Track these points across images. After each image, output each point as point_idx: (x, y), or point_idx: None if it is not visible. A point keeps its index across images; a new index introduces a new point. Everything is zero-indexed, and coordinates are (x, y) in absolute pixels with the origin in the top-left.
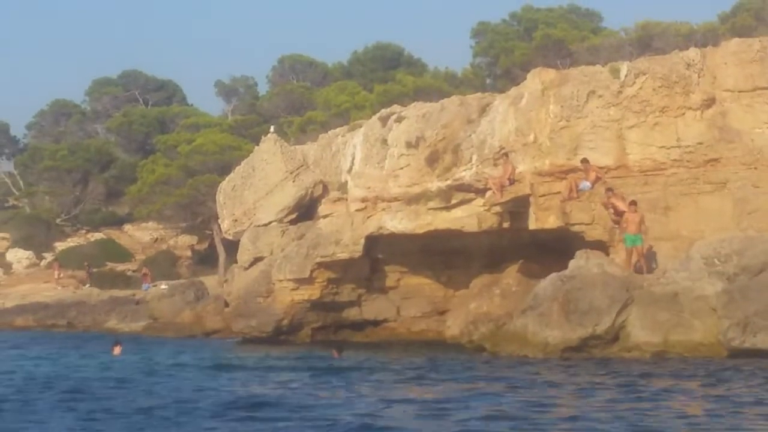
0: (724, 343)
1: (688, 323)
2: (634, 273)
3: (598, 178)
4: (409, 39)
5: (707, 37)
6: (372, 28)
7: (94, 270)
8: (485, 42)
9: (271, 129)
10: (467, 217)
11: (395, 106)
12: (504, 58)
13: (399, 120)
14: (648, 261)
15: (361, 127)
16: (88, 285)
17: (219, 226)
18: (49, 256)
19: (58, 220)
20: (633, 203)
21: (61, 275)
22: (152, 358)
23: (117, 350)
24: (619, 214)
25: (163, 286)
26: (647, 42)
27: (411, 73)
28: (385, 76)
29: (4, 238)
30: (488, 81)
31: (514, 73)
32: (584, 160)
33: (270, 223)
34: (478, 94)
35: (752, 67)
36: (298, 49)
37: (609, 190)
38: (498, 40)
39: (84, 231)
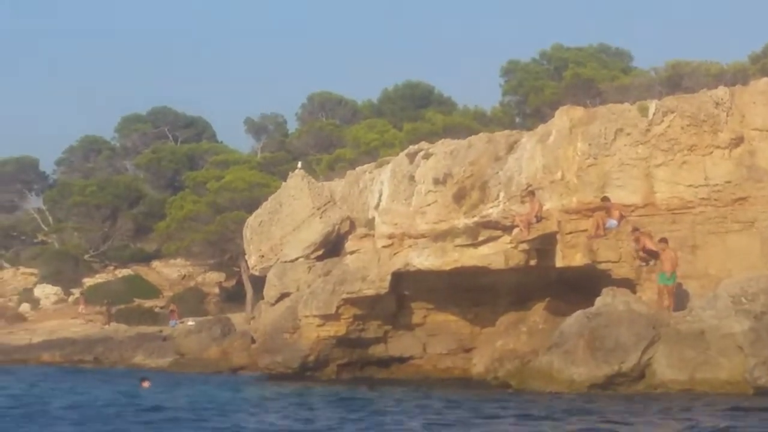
0: (750, 382)
1: (715, 361)
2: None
3: (621, 216)
4: (439, 77)
5: (737, 77)
6: (402, 67)
7: (118, 307)
8: (515, 80)
9: (299, 165)
10: (494, 254)
11: (423, 143)
12: (533, 97)
13: (426, 156)
14: (676, 300)
15: (388, 163)
16: (108, 323)
17: (246, 262)
18: (77, 292)
19: (86, 256)
20: (664, 240)
21: (84, 310)
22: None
23: (146, 385)
24: (647, 252)
25: (190, 323)
26: (677, 81)
27: (441, 111)
28: (414, 114)
29: (32, 274)
30: (517, 119)
31: (543, 111)
32: (605, 198)
33: (297, 259)
34: (506, 132)
35: None
36: (328, 87)
37: (636, 230)
38: (527, 79)
39: (112, 267)
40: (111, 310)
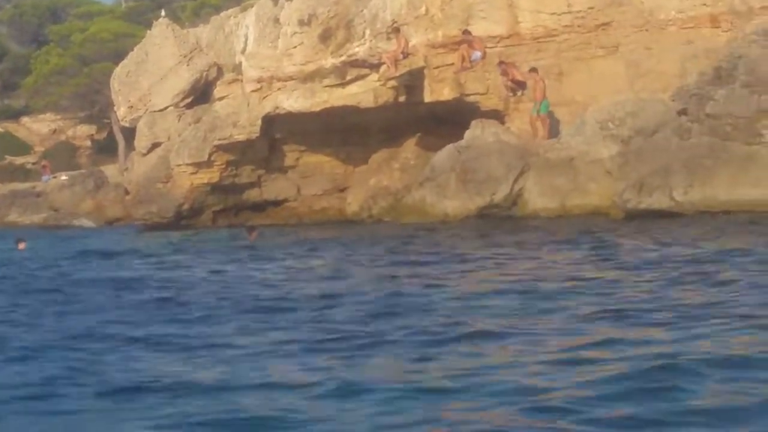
0: (620, 205)
1: (585, 187)
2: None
3: (484, 48)
4: None
5: None
6: None
7: None
8: None
9: (162, 14)
10: (363, 92)
11: None
12: None
13: None
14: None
15: (252, 7)
16: None
17: (116, 114)
18: None
19: None
20: (534, 70)
21: None
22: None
23: (22, 246)
24: (515, 83)
25: (63, 177)
26: None
27: None
28: None
29: None
30: None
31: None
32: (466, 32)
33: (166, 108)
34: None
35: None
36: None
37: (502, 62)
38: None
39: None
40: None
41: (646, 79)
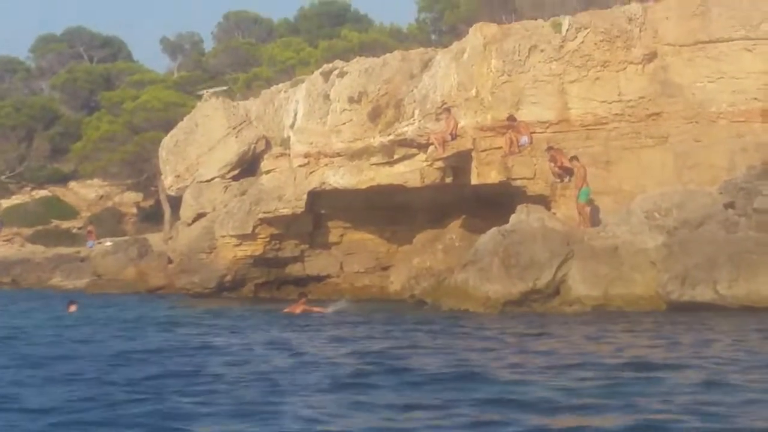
0: (663, 296)
1: (628, 277)
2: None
3: (530, 134)
4: None
5: None
6: None
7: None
8: None
9: (205, 93)
10: (410, 172)
11: (338, 61)
12: (449, 14)
13: (341, 75)
14: (592, 216)
15: (303, 82)
16: None
17: (163, 182)
18: None
19: (2, 177)
20: (575, 158)
21: None
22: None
23: (72, 309)
24: (563, 169)
25: (107, 243)
26: None
27: (357, 29)
28: (331, 32)
29: None
30: (433, 37)
31: (459, 28)
32: (511, 117)
33: (213, 179)
34: (420, 49)
35: (693, 22)
36: (244, 5)
37: (550, 147)
38: None
39: (29, 188)
40: None
41: (694, 170)
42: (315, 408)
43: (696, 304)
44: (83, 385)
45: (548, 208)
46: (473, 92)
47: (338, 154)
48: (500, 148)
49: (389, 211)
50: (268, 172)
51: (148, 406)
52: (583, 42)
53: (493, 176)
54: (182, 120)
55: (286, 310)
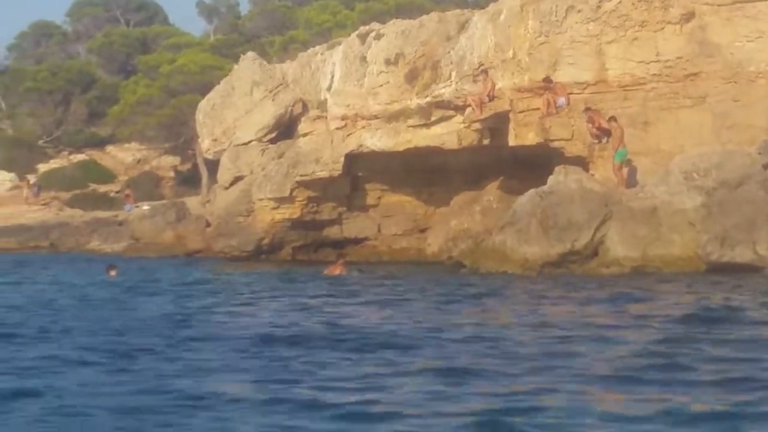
0: (702, 257)
1: (667, 238)
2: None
3: (567, 95)
4: None
5: None
6: None
7: (74, 192)
8: None
9: (248, 54)
10: (447, 134)
11: (374, 23)
12: None
13: (378, 37)
14: (629, 177)
15: (340, 44)
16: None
17: (200, 146)
18: (32, 179)
19: (40, 142)
20: (613, 118)
21: (28, 194)
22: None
23: (113, 273)
24: (601, 130)
25: (145, 207)
26: None
27: None
28: None
29: None
30: None
31: None
32: (547, 79)
33: (250, 142)
34: (457, 11)
35: None
36: None
37: (588, 108)
38: None
39: (66, 152)
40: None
41: (732, 131)
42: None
43: (735, 264)
44: None
45: (586, 170)
46: (510, 53)
47: (375, 117)
48: (538, 109)
49: (426, 173)
50: (305, 134)
51: None
52: (620, 2)
53: (531, 138)
54: (219, 83)
55: (325, 272)
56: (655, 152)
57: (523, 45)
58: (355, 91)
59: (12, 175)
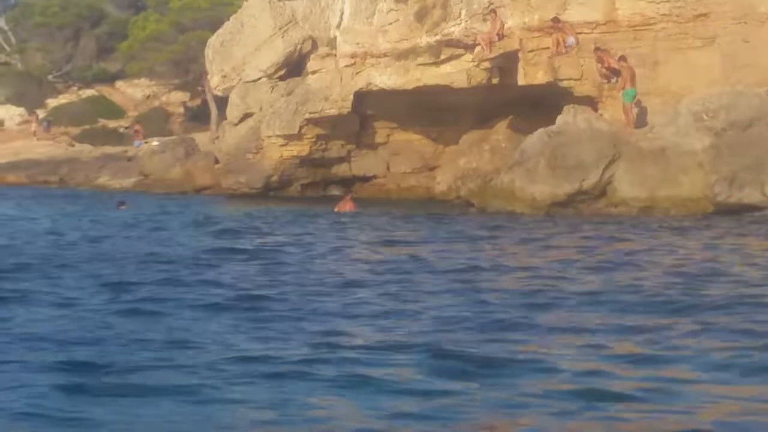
0: (710, 198)
1: (675, 178)
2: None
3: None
4: None
5: None
6: None
7: (84, 127)
8: None
9: None
10: (456, 72)
11: None
12: None
13: None
14: (639, 116)
15: None
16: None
17: (209, 82)
18: (41, 113)
19: (49, 77)
20: (623, 58)
21: (36, 129)
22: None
23: (122, 208)
24: (610, 70)
25: (154, 143)
26: None
27: None
28: None
29: None
30: None
31: None
32: (555, 19)
33: (259, 79)
34: None
35: None
36: None
37: (598, 48)
38: None
39: (76, 88)
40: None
41: (742, 71)
42: None
43: (744, 205)
44: None
45: (595, 110)
46: None
47: (384, 55)
48: (547, 48)
49: (435, 112)
50: (314, 72)
51: None
52: None
53: (540, 77)
54: (229, 19)
55: (336, 209)
56: (664, 92)
57: None
58: (364, 29)
59: (21, 110)
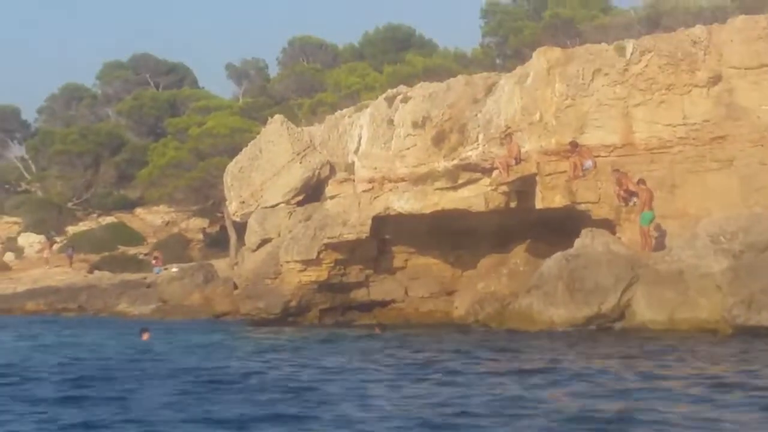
0: (729, 321)
1: (694, 301)
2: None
3: (593, 158)
4: (420, 20)
5: (716, 15)
6: (383, 10)
7: (103, 255)
8: (494, 22)
9: (276, 117)
10: (474, 196)
11: (401, 86)
12: (513, 38)
13: (405, 100)
14: (656, 240)
15: (367, 107)
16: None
17: (228, 208)
18: (60, 240)
19: (69, 204)
20: (642, 181)
21: (48, 255)
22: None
23: (146, 336)
24: (628, 192)
25: (174, 269)
26: (656, 20)
27: (421, 53)
28: (396, 57)
29: (16, 223)
30: (498, 61)
31: (523, 53)
32: (573, 142)
33: (277, 204)
34: (484, 74)
35: (758, 44)
36: (309, 31)
37: (616, 170)
38: (507, 20)
39: (95, 215)
40: (71, 253)
41: (760, 194)
42: None
43: (763, 328)
44: None
45: (613, 233)
46: (537, 116)
47: (402, 179)
48: (564, 172)
49: (453, 236)
50: (332, 197)
51: None
52: (647, 65)
53: (558, 200)
54: (247, 146)
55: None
56: (682, 215)
57: (549, 108)
58: (382, 154)
59: (41, 238)
